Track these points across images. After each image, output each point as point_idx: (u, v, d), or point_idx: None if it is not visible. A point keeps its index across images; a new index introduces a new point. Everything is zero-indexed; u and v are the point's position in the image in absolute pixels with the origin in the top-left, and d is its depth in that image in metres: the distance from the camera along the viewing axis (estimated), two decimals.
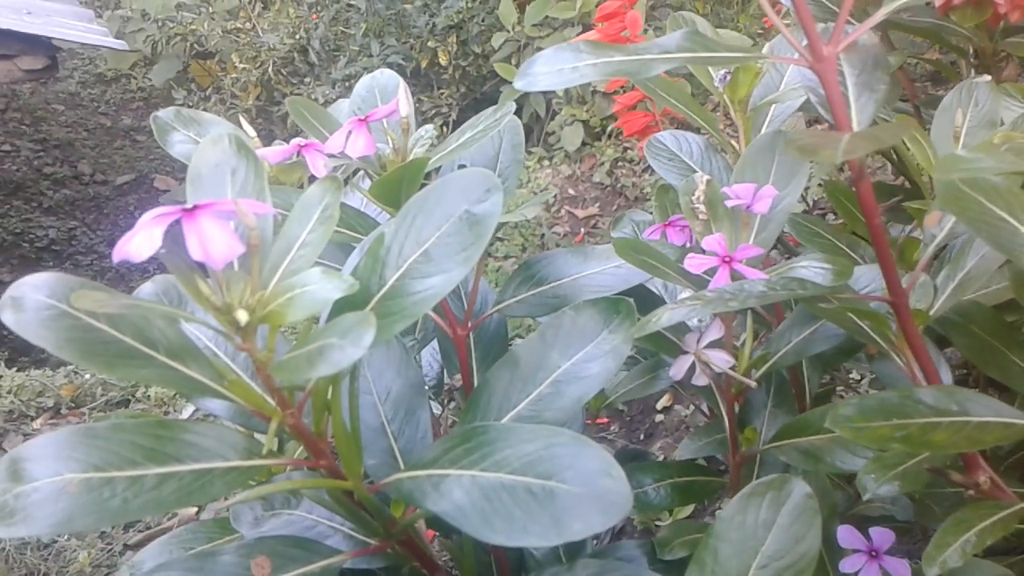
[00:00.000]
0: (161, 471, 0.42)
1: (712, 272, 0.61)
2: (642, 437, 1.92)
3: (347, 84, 3.89)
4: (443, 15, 3.97)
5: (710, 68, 0.78)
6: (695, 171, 0.81)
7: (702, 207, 0.64)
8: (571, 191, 3.19)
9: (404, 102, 0.61)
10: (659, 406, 1.96)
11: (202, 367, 0.45)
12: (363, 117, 0.60)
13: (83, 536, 1.54)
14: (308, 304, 0.41)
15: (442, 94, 3.96)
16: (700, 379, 0.66)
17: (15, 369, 2.21)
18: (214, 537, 0.64)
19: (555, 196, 3.18)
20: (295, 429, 0.46)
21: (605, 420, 1.98)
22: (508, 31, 3.69)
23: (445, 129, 3.81)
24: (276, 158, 0.68)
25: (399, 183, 0.57)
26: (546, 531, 0.41)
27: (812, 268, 0.58)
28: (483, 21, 3.96)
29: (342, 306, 0.46)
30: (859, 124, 0.51)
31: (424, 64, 3.99)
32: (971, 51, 0.92)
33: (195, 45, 4.41)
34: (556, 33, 3.60)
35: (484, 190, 0.45)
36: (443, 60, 3.98)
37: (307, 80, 4.21)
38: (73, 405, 1.97)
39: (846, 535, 0.65)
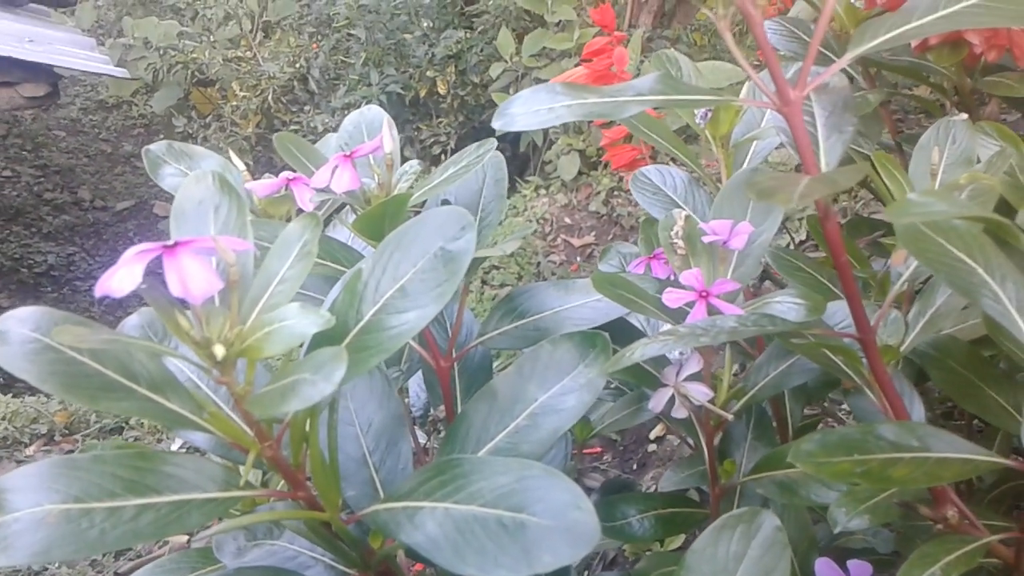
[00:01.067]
0: (139, 502, 0.43)
1: (690, 306, 0.62)
2: (635, 467, 1.92)
3: (346, 112, 3.91)
4: (442, 45, 4.02)
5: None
6: (678, 205, 0.83)
7: (680, 242, 0.65)
8: (567, 220, 3.21)
9: (388, 139, 0.62)
10: (652, 436, 1.97)
11: (183, 400, 0.46)
12: (348, 153, 0.62)
13: (74, 564, 1.54)
14: (286, 339, 0.42)
15: (440, 123, 3.99)
16: (679, 411, 0.67)
17: (10, 395, 2.22)
18: (197, 567, 0.64)
19: (552, 225, 3.20)
20: (273, 461, 0.47)
21: (599, 450, 1.98)
22: (506, 61, 3.74)
23: (444, 157, 3.84)
24: (264, 191, 0.70)
25: (382, 218, 0.58)
26: (516, 563, 0.42)
27: (786, 303, 0.59)
28: (481, 51, 4.00)
29: (320, 340, 0.47)
30: (827, 164, 0.52)
31: (423, 93, 4.03)
32: (952, 89, 0.94)
33: (196, 73, 4.45)
34: (553, 64, 3.64)
35: (459, 228, 0.46)
36: (442, 89, 4.02)
37: (307, 108, 4.25)
38: (67, 432, 1.97)
39: (823, 568, 0.65)
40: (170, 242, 0.41)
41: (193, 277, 0.40)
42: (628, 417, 0.87)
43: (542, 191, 3.39)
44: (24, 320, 0.44)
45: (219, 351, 0.41)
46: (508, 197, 3.49)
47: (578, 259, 3.01)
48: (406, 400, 0.93)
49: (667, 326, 0.66)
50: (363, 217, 0.58)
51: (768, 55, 0.47)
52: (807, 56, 0.48)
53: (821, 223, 0.49)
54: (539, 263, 2.94)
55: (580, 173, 3.33)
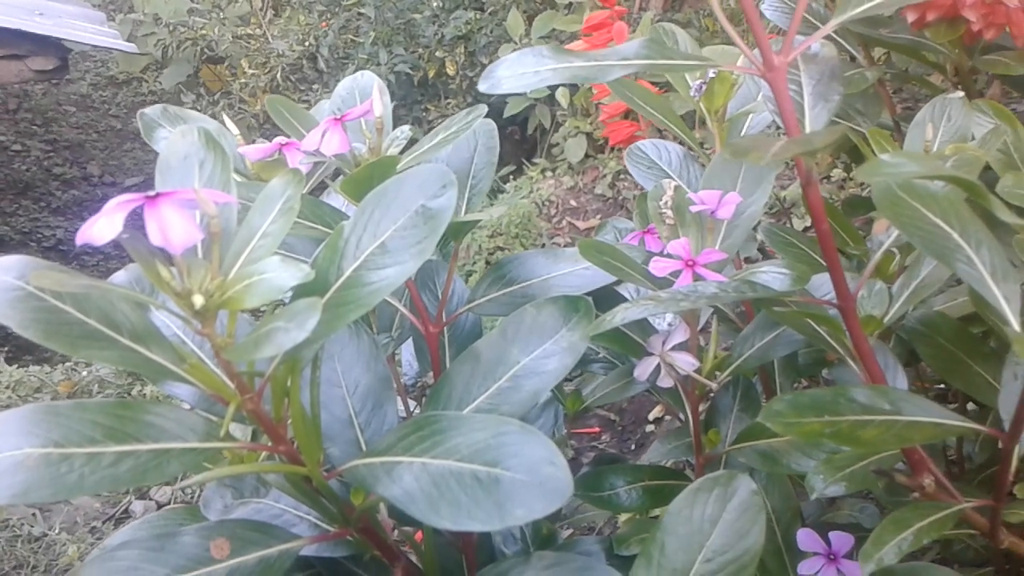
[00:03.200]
0: (119, 449, 0.44)
1: (676, 275, 0.62)
2: (633, 447, 1.93)
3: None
4: (451, 25, 4.01)
5: (687, 78, 0.79)
6: (674, 179, 0.83)
7: (669, 212, 0.65)
8: (573, 202, 3.21)
9: (378, 103, 0.62)
10: (651, 417, 1.97)
11: (164, 351, 0.46)
12: (338, 117, 0.62)
13: (73, 530, 1.55)
14: (265, 291, 0.43)
15: (449, 104, 3.98)
16: (665, 381, 0.67)
17: (16, 366, 2.23)
18: (185, 523, 0.65)
19: (557, 207, 3.20)
20: (253, 414, 0.48)
21: (597, 430, 1.99)
22: (516, 43, 3.72)
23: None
24: (256, 155, 0.70)
25: (369, 180, 0.58)
26: (489, 516, 0.42)
27: (772, 273, 0.59)
28: (491, 32, 3.99)
29: (301, 294, 0.47)
30: (812, 129, 0.52)
31: (432, 74, 4.02)
32: (953, 68, 0.94)
33: (205, 50, 4.45)
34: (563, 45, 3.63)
35: (440, 186, 0.46)
36: (451, 70, 4.01)
37: (315, 87, 4.24)
38: None
39: (805, 538, 0.66)
40: (152, 193, 0.42)
41: (173, 227, 0.41)
42: (618, 390, 0.87)
43: (548, 173, 3.38)
44: (8, 268, 0.45)
45: (198, 300, 0.42)
46: (515, 179, 3.48)
47: None
48: (399, 369, 0.94)
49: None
50: (350, 179, 0.58)
51: (753, 21, 0.48)
52: (792, 23, 0.48)
53: (803, 189, 0.49)
54: (543, 244, 2.94)
55: (587, 156, 3.32)
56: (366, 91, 0.72)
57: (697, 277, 0.62)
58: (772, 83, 0.48)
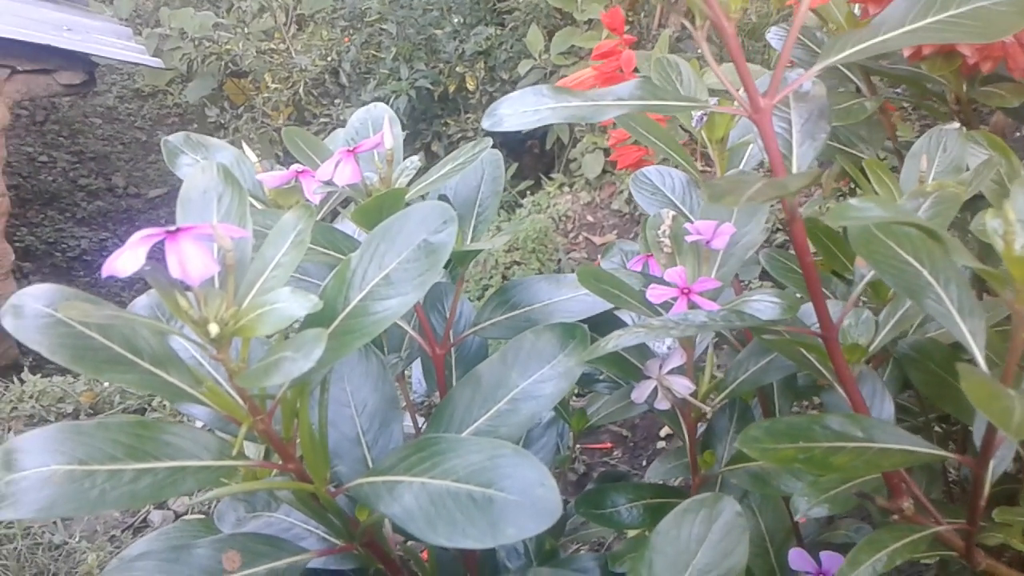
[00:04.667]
0: (138, 467, 0.47)
1: (672, 302, 0.65)
2: (644, 463, 1.95)
3: None
4: (472, 41, 4.05)
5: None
6: (676, 205, 0.85)
7: (667, 241, 0.68)
8: (590, 218, 3.24)
9: (388, 135, 0.65)
10: (662, 433, 1.99)
11: (182, 374, 0.50)
12: (351, 148, 0.65)
13: (93, 539, 1.59)
14: (276, 320, 0.46)
15: (468, 118, 4.02)
16: (662, 403, 0.70)
17: (39, 375, 2.28)
18: (199, 535, 0.68)
19: (574, 223, 3.23)
20: (264, 434, 0.50)
21: (609, 445, 2.01)
22: (535, 59, 3.76)
23: None
24: (274, 182, 0.73)
25: (379, 210, 0.61)
26: (483, 534, 0.45)
27: (764, 302, 0.61)
28: (511, 48, 4.03)
29: (311, 322, 0.50)
30: (798, 168, 0.55)
31: (452, 89, 4.07)
32: (954, 98, 0.96)
33: (230, 64, 4.52)
34: (581, 62, 3.66)
35: (441, 221, 0.49)
36: (471, 85, 4.06)
37: (337, 101, 4.30)
38: (92, 412, 2.03)
39: (796, 558, 0.68)
40: (173, 228, 0.45)
41: (192, 260, 0.44)
42: (621, 410, 0.90)
43: (565, 188, 3.42)
44: (38, 296, 0.48)
45: (214, 329, 0.45)
46: (532, 194, 3.51)
47: (599, 257, 3.03)
48: (410, 387, 0.96)
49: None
50: (361, 209, 0.61)
51: (739, 64, 0.50)
52: (777, 67, 0.51)
53: (788, 224, 0.51)
54: (560, 260, 2.97)
55: (604, 171, 3.35)
56: (379, 122, 0.75)
57: (692, 305, 0.64)
58: (758, 124, 0.51)
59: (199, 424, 0.57)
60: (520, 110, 0.55)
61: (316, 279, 0.70)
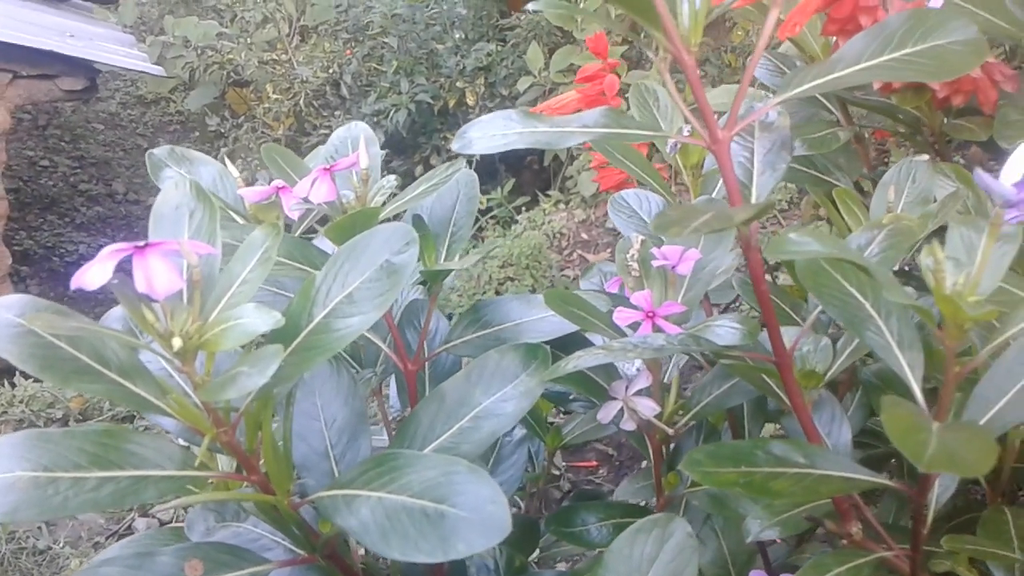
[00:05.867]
0: (102, 475, 0.48)
1: (637, 325, 0.66)
2: None
3: (376, 119, 4.00)
4: (473, 57, 4.08)
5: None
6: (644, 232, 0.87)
7: (635, 265, 0.69)
8: (584, 235, 3.25)
9: (364, 155, 0.67)
10: None
11: (148, 385, 0.51)
12: (328, 167, 0.67)
13: (76, 545, 1.60)
14: (239, 335, 0.47)
15: None
16: (628, 424, 0.71)
17: (31, 380, 2.29)
18: (169, 543, 0.69)
19: (568, 240, 3.25)
20: (228, 445, 0.52)
21: (594, 464, 2.02)
22: (534, 76, 3.79)
23: (469, 167, 3.90)
24: (254, 197, 0.75)
25: (352, 228, 0.62)
26: (434, 549, 0.46)
27: (725, 327, 0.63)
28: (511, 64, 4.06)
29: (276, 337, 0.51)
30: (757, 198, 0.56)
31: (452, 103, 4.09)
32: (929, 130, 0.97)
33: (232, 73, 4.54)
34: None
35: (403, 243, 0.51)
36: (470, 100, 4.08)
37: (337, 113, 4.32)
38: (81, 418, 2.04)
39: None
40: (141, 243, 0.46)
41: (157, 276, 0.45)
42: (595, 429, 0.92)
43: (561, 206, 3.43)
44: (10, 306, 0.49)
45: (176, 343, 0.46)
46: (529, 210, 3.52)
47: None
48: (387, 403, 0.98)
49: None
50: (334, 226, 0.63)
51: (698, 96, 0.52)
52: (736, 100, 0.52)
53: (744, 253, 0.53)
54: (553, 276, 2.99)
55: (603, 191, 3.36)
56: (358, 140, 0.77)
57: (657, 328, 0.66)
58: (716, 154, 0.53)
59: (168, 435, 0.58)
60: (489, 133, 0.57)
61: (292, 293, 0.71)
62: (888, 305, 0.47)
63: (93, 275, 0.45)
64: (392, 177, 0.71)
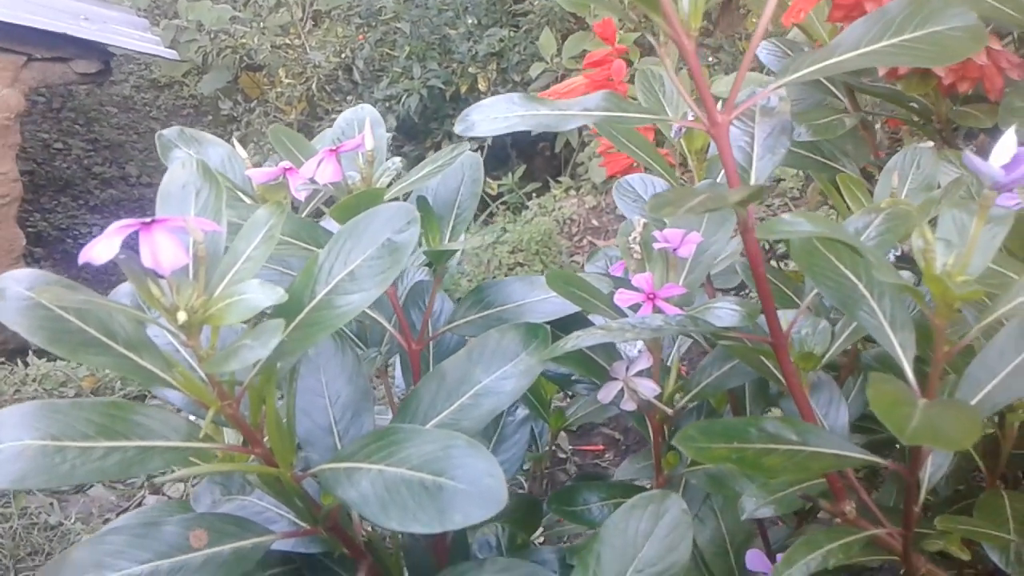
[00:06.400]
0: (109, 444, 0.49)
1: (637, 307, 0.67)
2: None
3: (388, 104, 4.01)
4: (485, 42, 4.08)
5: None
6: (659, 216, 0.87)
7: (637, 247, 0.70)
8: (595, 222, 3.26)
9: (369, 137, 0.68)
10: None
11: (155, 359, 0.52)
12: (333, 148, 0.68)
13: (88, 520, 1.62)
14: (243, 310, 0.48)
15: None
16: (628, 404, 0.72)
17: (44, 359, 2.31)
18: (175, 514, 0.71)
19: (579, 226, 3.25)
20: (232, 418, 0.53)
21: (601, 447, 2.03)
22: (547, 62, 3.78)
23: (480, 152, 3.91)
24: (262, 178, 0.76)
25: (356, 208, 0.63)
26: (431, 520, 0.47)
27: (725, 309, 0.64)
28: (524, 50, 4.06)
29: (280, 313, 0.52)
30: (756, 180, 0.57)
31: (464, 89, 4.09)
32: (936, 116, 0.97)
33: (245, 58, 4.55)
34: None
35: (405, 222, 0.52)
36: (482, 86, 4.08)
37: (349, 98, 4.33)
38: (93, 396, 2.06)
39: (753, 558, 0.70)
40: (148, 220, 0.47)
41: (163, 251, 0.46)
42: (599, 411, 0.93)
43: (572, 192, 3.43)
44: (20, 280, 0.51)
45: (181, 316, 0.47)
46: (539, 196, 3.53)
47: None
48: (392, 382, 0.99)
49: None
50: (339, 207, 0.64)
51: (698, 80, 0.52)
52: (735, 84, 0.53)
53: (742, 235, 0.54)
54: (563, 263, 2.99)
55: (610, 176, 3.36)
56: (365, 123, 0.78)
57: (657, 309, 0.66)
58: (715, 137, 0.53)
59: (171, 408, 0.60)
60: (491, 116, 0.58)
61: (297, 272, 0.72)
62: (881, 286, 0.48)
63: (100, 250, 0.46)
64: (397, 159, 0.72)
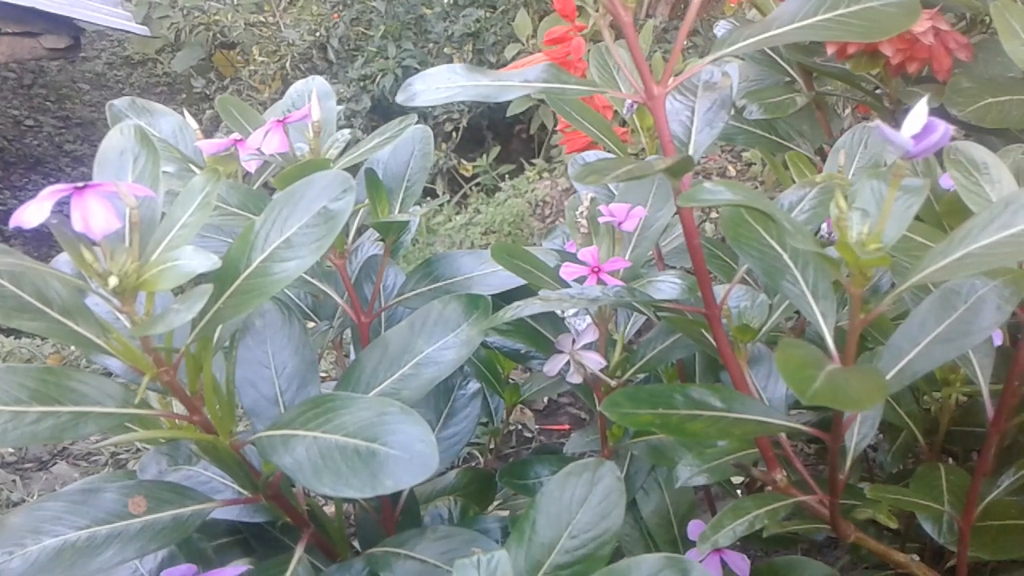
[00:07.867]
0: (41, 409, 0.49)
1: (582, 280, 0.68)
2: None
3: (362, 84, 3.99)
4: (461, 23, 4.07)
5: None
6: (610, 190, 0.88)
7: (584, 222, 0.71)
8: (567, 204, 3.26)
9: (316, 108, 0.68)
10: None
11: (90, 325, 0.52)
12: (281, 119, 0.68)
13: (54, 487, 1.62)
14: (176, 275, 0.48)
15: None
16: (574, 377, 0.72)
17: (12, 337, 2.30)
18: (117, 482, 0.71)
19: (551, 208, 3.25)
20: (169, 385, 0.53)
21: (567, 427, 2.04)
22: (522, 43, 3.77)
23: (455, 134, 3.90)
24: (211, 149, 0.76)
25: (300, 177, 0.63)
26: (364, 485, 0.48)
27: (667, 282, 0.64)
28: (500, 31, 4.05)
29: (215, 279, 0.53)
30: (695, 153, 0.57)
31: None
32: (887, 96, 0.99)
33: (218, 35, 4.51)
34: None
35: (341, 190, 0.52)
36: None
37: (324, 77, 4.30)
38: None
39: (695, 529, 0.71)
40: (80, 184, 0.47)
41: (94, 216, 0.46)
42: (554, 386, 0.94)
43: (545, 174, 3.43)
44: None
45: (113, 281, 0.47)
46: (513, 178, 3.52)
47: None
48: (347, 356, 0.99)
49: None
50: (283, 175, 0.64)
51: (635, 53, 0.53)
52: (671, 58, 0.54)
53: (677, 209, 0.54)
54: (535, 244, 3.00)
55: (570, 153, 3.36)
56: (312, 94, 0.77)
57: (601, 282, 0.67)
58: (651, 110, 0.54)
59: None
60: (433, 86, 0.58)
61: None
62: (806, 256, 0.48)
63: (31, 213, 0.46)
64: (347, 131, 0.72)
